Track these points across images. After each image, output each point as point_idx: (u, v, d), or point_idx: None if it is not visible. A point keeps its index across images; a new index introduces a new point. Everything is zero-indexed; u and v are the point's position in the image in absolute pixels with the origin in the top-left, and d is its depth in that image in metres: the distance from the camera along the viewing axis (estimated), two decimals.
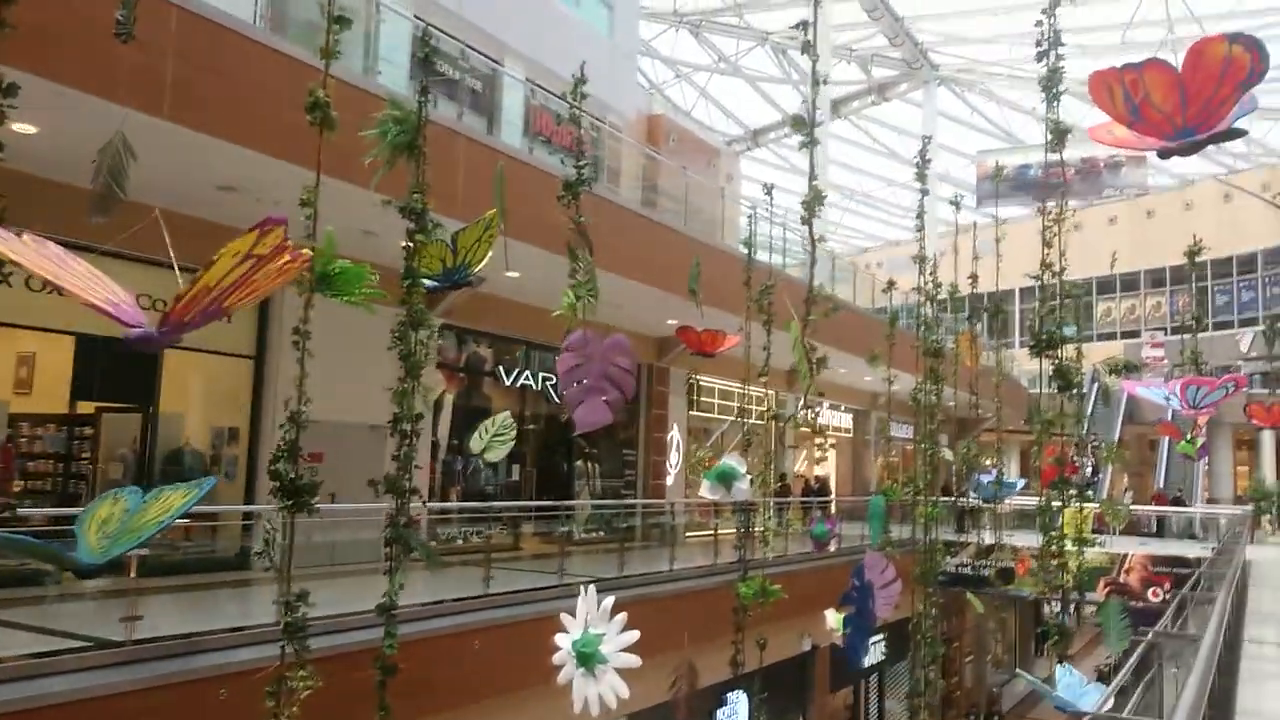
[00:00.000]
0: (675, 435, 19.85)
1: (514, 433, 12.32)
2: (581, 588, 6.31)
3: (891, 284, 15.53)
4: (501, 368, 15.82)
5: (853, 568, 8.75)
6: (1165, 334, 44.56)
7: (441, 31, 14.94)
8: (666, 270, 14.93)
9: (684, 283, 15.38)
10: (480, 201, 8.85)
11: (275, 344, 11.80)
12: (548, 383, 16.48)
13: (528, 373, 15.94)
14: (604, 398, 6.67)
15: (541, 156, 14.92)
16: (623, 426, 18.84)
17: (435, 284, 8.81)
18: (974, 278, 11.83)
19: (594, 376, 6.63)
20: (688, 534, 19.30)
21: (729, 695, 14.60)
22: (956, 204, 11.60)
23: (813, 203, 5.74)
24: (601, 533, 17.35)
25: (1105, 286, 50.46)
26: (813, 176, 5.87)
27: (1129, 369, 12.16)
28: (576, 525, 17.32)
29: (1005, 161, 36.60)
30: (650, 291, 14.96)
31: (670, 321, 16.39)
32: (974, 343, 15.75)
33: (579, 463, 17.55)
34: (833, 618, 11.80)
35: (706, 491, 10.63)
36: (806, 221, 5.91)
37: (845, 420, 29.48)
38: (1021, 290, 45.02)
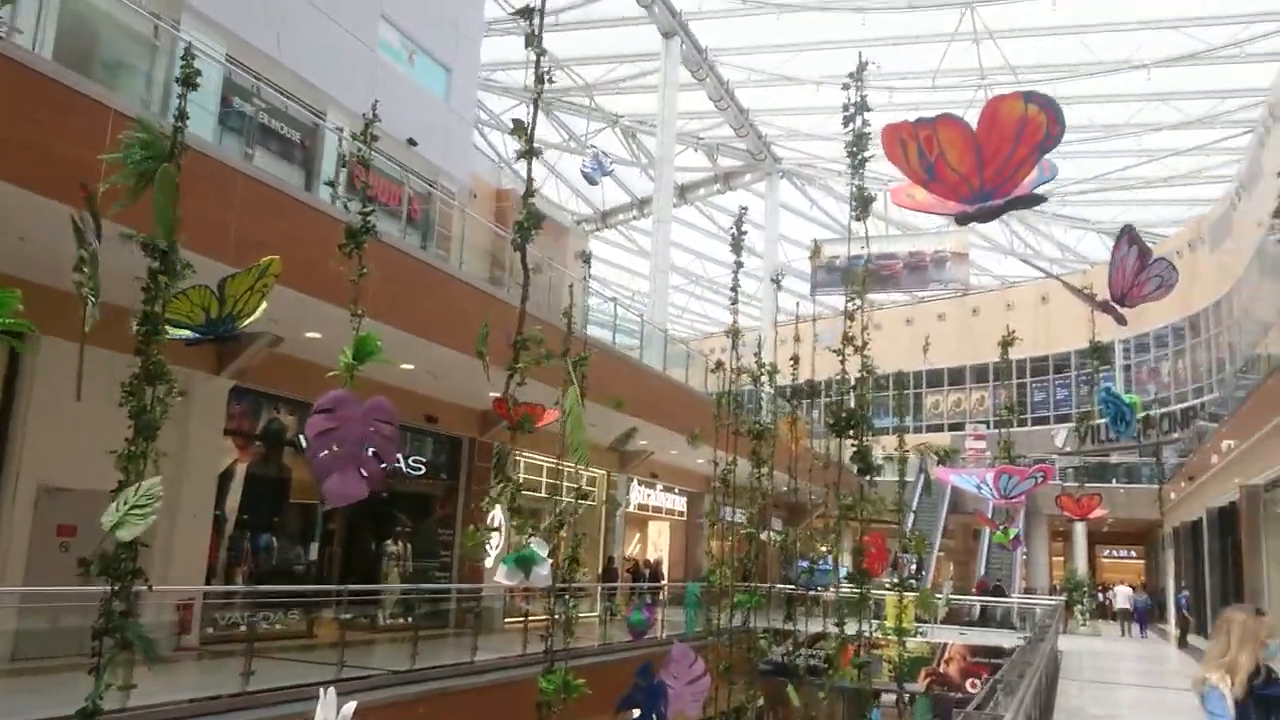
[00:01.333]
0: (498, 515, 18.84)
1: (158, 504, 11.19)
2: (321, 690, 5.40)
3: (720, 364, 15.27)
4: (303, 437, 14.59)
5: (639, 666, 8.01)
6: (987, 427, 46.42)
7: (251, 73, 14.07)
8: (491, 340, 14.23)
9: (509, 354, 14.67)
10: (260, 246, 7.98)
11: (25, 397, 10.39)
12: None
13: None
14: (361, 468, 5.85)
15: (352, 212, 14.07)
16: (440, 503, 17.78)
17: (196, 335, 7.80)
18: (795, 359, 11.58)
19: (350, 443, 5.81)
20: (508, 620, 18.28)
21: None
22: (777, 281, 11.39)
23: (528, 225, 5.15)
24: (408, 619, 16.16)
25: (934, 379, 52.53)
26: (529, 194, 5.31)
27: (945, 456, 12.14)
28: (382, 610, 16.08)
29: (839, 251, 37.74)
30: (471, 361, 14.18)
31: (493, 394, 15.67)
32: (795, 425, 15.58)
33: (389, 542, 16.37)
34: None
35: (502, 577, 9.82)
36: (519, 247, 5.32)
37: (679, 503, 29.08)
38: (858, 379, 46.23)
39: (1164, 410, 41.25)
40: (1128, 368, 44.04)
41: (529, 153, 4.95)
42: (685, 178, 42.02)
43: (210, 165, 8.66)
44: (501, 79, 37.49)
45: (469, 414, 17.66)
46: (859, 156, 6.04)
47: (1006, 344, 11.82)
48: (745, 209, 9.04)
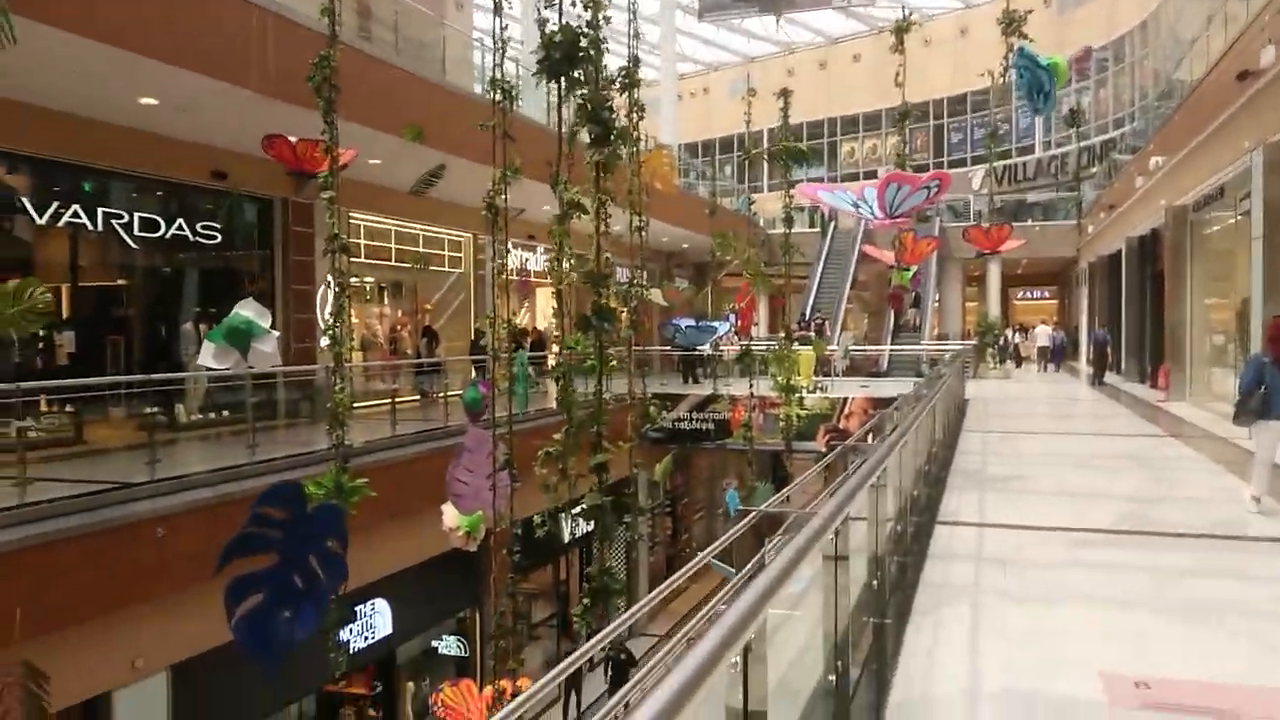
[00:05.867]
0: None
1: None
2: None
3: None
4: (34, 201, 11.54)
5: (262, 494, 5.67)
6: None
7: None
8: (269, 66, 11.13)
9: (296, 85, 11.61)
10: None
11: None
12: (115, 221, 12.41)
13: (77, 208, 11.79)
14: None
15: None
16: (251, 278, 15.06)
17: None
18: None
19: None
20: (358, 405, 16.07)
21: (360, 606, 11.75)
22: None
23: None
24: (219, 413, 13.85)
25: (849, 125, 49.78)
26: None
27: (805, 156, 9.70)
28: (187, 404, 13.71)
29: None
30: (252, 98, 11.18)
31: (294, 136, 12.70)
32: (668, 162, 12.96)
33: (187, 326, 13.73)
34: (451, 515, 9.02)
35: (209, 359, 7.42)
36: None
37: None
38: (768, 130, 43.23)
39: (1084, 144, 39.38)
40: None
41: None
42: None
43: None
44: None
45: (275, 169, 14.64)
46: None
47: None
48: None
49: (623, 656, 14.61)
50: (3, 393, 10.32)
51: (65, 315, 12.83)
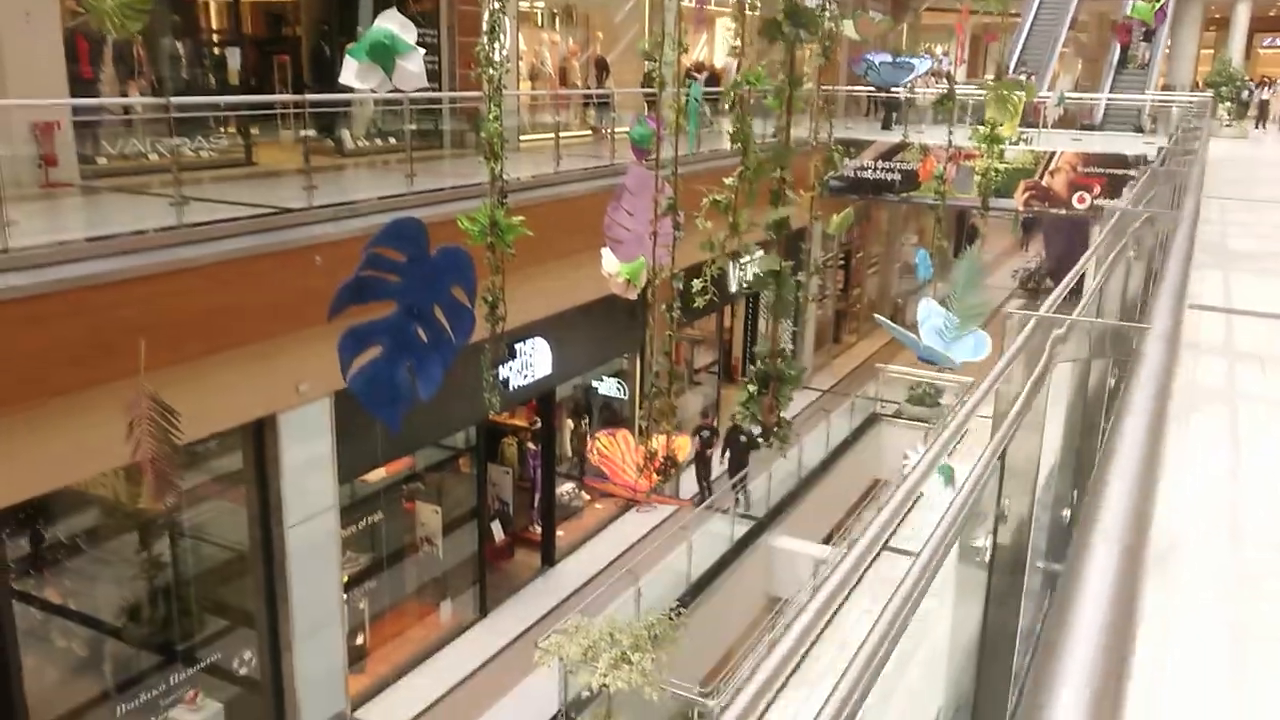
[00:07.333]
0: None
1: None
2: None
3: None
4: None
5: (378, 233, 5.01)
6: None
7: None
8: None
9: None
10: None
11: None
12: None
13: None
14: None
15: None
16: None
17: None
18: None
19: None
20: (526, 137, 15.49)
21: (520, 345, 11.63)
22: None
23: None
24: (393, 139, 13.53)
25: None
26: None
27: None
28: (353, 129, 13.45)
29: None
30: None
31: None
32: None
33: (350, 45, 13.17)
34: (611, 259, 8.45)
35: (353, 77, 6.78)
36: None
37: None
38: None
39: None
40: None
41: None
42: None
43: None
44: None
45: None
46: None
47: None
48: None
49: (743, 438, 14.19)
50: (158, 108, 10.13)
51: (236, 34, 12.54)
